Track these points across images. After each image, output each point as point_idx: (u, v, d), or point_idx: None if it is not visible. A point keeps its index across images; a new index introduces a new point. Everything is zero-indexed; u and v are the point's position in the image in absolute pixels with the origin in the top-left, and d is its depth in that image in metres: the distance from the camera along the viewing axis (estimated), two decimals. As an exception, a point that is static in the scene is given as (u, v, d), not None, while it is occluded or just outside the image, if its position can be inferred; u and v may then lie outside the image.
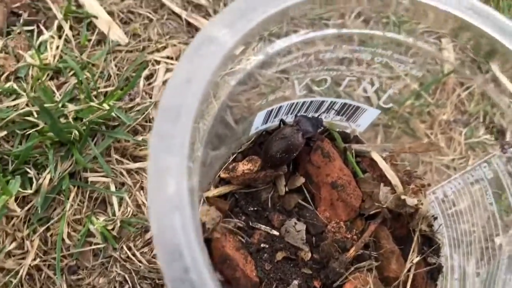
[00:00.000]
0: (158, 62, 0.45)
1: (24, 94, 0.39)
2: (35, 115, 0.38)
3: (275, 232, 0.40)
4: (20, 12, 0.44)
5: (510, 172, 0.35)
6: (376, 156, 0.41)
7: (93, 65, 0.43)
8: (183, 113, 0.23)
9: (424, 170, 0.41)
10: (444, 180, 0.40)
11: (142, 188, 0.40)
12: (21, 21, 0.43)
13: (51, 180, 0.38)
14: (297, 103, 0.39)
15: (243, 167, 0.39)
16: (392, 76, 0.37)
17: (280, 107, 0.39)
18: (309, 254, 0.39)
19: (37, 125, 0.38)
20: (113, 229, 0.38)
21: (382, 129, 0.41)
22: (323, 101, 0.40)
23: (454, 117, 0.38)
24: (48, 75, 0.41)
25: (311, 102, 0.40)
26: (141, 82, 0.44)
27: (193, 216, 0.21)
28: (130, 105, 0.42)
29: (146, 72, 0.45)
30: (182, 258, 0.20)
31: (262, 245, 0.39)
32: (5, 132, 0.38)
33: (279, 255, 0.39)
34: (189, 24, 0.49)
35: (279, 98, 0.38)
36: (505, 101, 0.32)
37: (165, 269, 0.19)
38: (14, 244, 0.36)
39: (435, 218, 0.41)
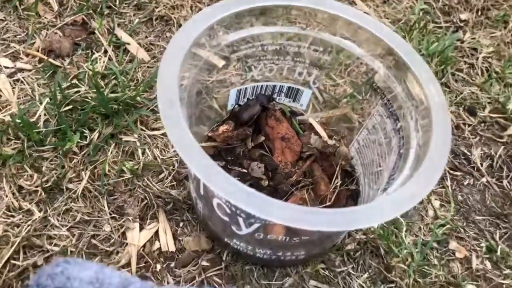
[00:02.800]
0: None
1: (84, 86, 0.61)
2: (89, 98, 0.60)
3: (245, 170, 0.59)
4: (80, 42, 0.67)
5: (388, 114, 0.54)
6: (311, 120, 0.61)
7: (127, 73, 0.65)
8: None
9: (343, 129, 0.60)
10: (356, 134, 0.59)
11: (157, 146, 0.60)
12: (81, 47, 0.67)
13: (98, 137, 0.59)
14: (256, 86, 0.60)
15: (223, 128, 0.59)
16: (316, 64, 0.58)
17: (246, 88, 0.60)
18: (267, 182, 0.57)
19: (90, 103, 0.60)
20: (137, 169, 0.58)
21: (316, 103, 0.61)
22: (274, 85, 0.61)
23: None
24: (98, 77, 0.63)
25: (267, 85, 0.60)
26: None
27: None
28: (151, 96, 0.64)
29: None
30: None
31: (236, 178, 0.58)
32: (70, 106, 0.59)
33: (247, 184, 0.58)
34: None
35: (245, 81, 0.59)
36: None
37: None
38: (74, 174, 0.56)
39: (352, 158, 0.60)
